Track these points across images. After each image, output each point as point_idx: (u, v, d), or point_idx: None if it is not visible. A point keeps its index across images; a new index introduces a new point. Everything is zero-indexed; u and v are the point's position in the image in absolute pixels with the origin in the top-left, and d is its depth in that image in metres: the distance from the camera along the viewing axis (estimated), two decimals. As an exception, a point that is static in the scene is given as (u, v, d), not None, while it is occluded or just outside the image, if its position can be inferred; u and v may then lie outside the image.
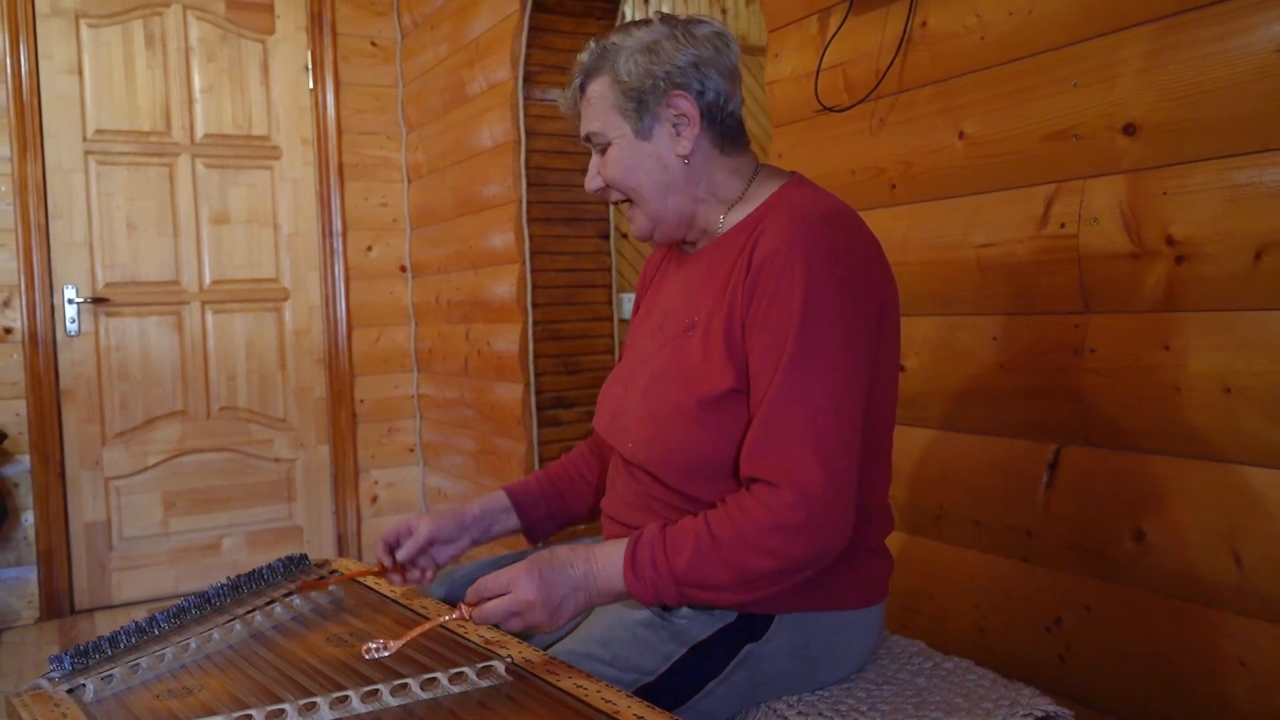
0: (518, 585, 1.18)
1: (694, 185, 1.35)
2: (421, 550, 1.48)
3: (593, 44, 1.37)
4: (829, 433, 1.17)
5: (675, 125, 1.33)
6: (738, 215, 1.35)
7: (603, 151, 1.37)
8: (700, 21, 1.35)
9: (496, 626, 1.23)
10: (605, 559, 1.22)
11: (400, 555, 1.47)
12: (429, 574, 1.49)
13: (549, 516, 1.59)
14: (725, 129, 1.36)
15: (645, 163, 1.34)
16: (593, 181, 1.40)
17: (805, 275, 1.19)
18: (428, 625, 1.23)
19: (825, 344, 1.18)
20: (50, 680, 1.25)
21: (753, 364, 1.23)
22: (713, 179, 1.36)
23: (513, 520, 1.56)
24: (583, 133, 1.39)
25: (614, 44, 1.35)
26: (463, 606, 1.21)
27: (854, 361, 1.20)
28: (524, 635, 1.31)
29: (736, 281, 1.26)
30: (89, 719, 1.10)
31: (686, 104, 1.32)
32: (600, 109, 1.35)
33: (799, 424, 1.17)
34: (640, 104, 1.32)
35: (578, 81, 1.38)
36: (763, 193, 1.35)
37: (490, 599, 1.19)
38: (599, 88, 1.35)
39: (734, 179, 1.37)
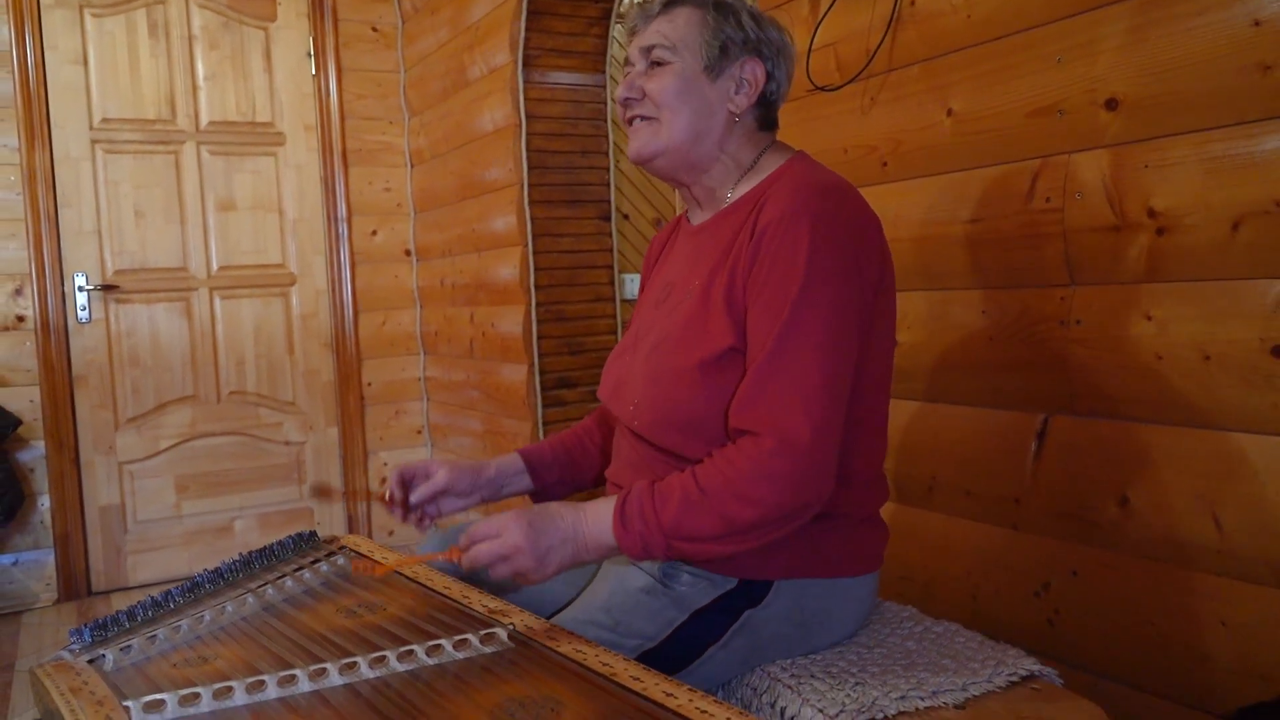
0: (507, 530, 1.22)
1: (723, 144, 1.40)
2: (433, 497, 1.51)
3: None
4: (816, 389, 1.20)
5: (739, 84, 1.38)
6: (745, 186, 1.40)
7: (655, 67, 1.39)
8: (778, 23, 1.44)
9: (487, 581, 1.27)
10: (594, 513, 1.25)
11: (413, 497, 1.50)
12: (427, 522, 1.53)
13: (560, 481, 1.63)
14: (768, 112, 1.43)
15: (697, 98, 1.37)
16: (628, 91, 1.41)
17: (809, 240, 1.23)
18: (419, 559, 1.29)
19: (821, 307, 1.22)
20: (71, 652, 1.30)
21: (750, 323, 1.26)
22: (739, 145, 1.42)
23: (525, 482, 1.60)
24: (646, 43, 1.40)
25: None
26: (454, 549, 1.25)
27: (847, 327, 1.24)
28: (511, 589, 1.36)
29: (740, 245, 1.30)
30: (110, 687, 1.14)
31: (759, 71, 1.38)
32: (683, 28, 1.37)
33: (788, 379, 1.20)
34: (724, 49, 1.37)
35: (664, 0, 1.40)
36: (770, 165, 1.40)
37: (481, 542, 1.23)
38: (689, 14, 1.38)
39: (752, 151, 1.43)
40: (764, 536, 1.22)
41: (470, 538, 1.24)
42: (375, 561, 1.26)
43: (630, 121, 1.42)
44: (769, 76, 1.40)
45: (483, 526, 1.24)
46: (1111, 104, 1.48)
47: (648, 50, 1.39)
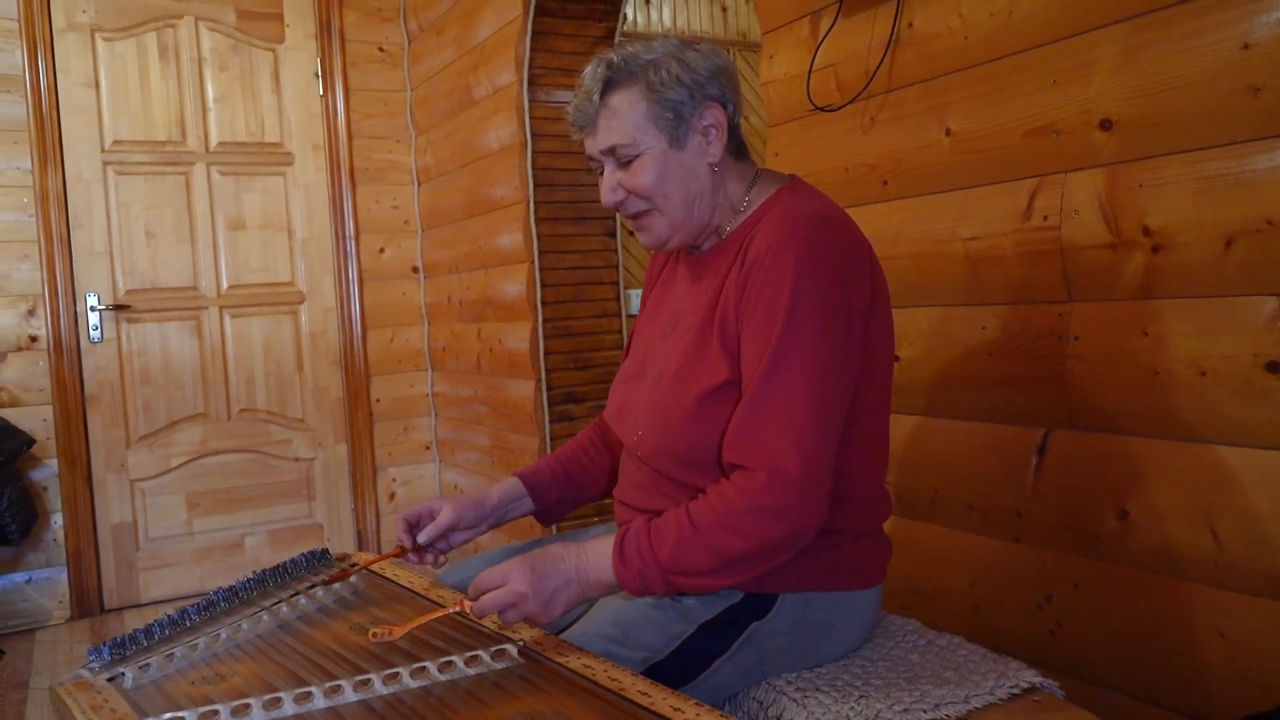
0: (511, 579, 1.25)
1: (716, 193, 1.40)
2: (442, 535, 1.55)
3: (612, 56, 1.36)
4: (805, 421, 1.22)
5: (705, 135, 1.37)
6: (740, 219, 1.41)
7: (626, 163, 1.37)
8: (700, 40, 1.42)
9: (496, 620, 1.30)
10: (595, 553, 1.28)
11: (421, 538, 1.54)
12: (441, 559, 1.57)
13: (561, 500, 1.65)
14: (737, 137, 1.42)
15: (678, 172, 1.36)
16: (614, 194, 1.39)
17: (794, 272, 1.25)
18: (430, 616, 1.31)
19: (807, 337, 1.24)
20: (91, 670, 1.32)
21: (742, 356, 1.29)
22: (728, 185, 1.42)
23: (528, 505, 1.63)
24: (602, 146, 1.38)
25: (634, 54, 1.36)
26: (464, 600, 1.29)
27: (836, 355, 1.26)
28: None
29: (731, 279, 1.33)
30: (130, 704, 1.17)
31: (719, 114, 1.36)
32: (629, 119, 1.35)
33: (777, 412, 1.23)
34: (677, 114, 1.34)
35: (597, 94, 1.36)
36: (760, 196, 1.41)
37: (487, 592, 1.26)
38: (628, 99, 1.35)
39: (741, 184, 1.42)
40: (756, 568, 1.25)
41: (477, 588, 1.27)
42: (392, 627, 1.30)
43: (631, 216, 1.42)
44: (725, 109, 1.37)
45: (487, 576, 1.27)
46: (1106, 124, 1.51)
47: (610, 150, 1.37)
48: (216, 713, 1.09)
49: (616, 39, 3.38)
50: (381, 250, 4.23)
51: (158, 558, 3.86)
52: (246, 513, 4.01)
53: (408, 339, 4.29)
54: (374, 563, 1.61)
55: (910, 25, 1.85)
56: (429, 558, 1.56)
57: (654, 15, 4.45)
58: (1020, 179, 1.66)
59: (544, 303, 3.32)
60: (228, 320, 3.98)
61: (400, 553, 1.57)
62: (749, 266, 1.30)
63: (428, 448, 4.33)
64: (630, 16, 4.31)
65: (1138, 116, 1.47)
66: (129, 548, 3.80)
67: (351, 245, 4.15)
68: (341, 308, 4.16)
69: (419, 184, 4.27)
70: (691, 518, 1.24)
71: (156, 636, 1.40)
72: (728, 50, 3.96)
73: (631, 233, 4.06)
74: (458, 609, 1.30)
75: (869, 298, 1.32)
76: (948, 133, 1.79)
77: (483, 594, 1.26)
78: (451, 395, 4.12)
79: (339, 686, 1.14)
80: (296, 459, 4.11)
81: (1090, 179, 1.54)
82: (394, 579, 1.59)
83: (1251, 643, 1.37)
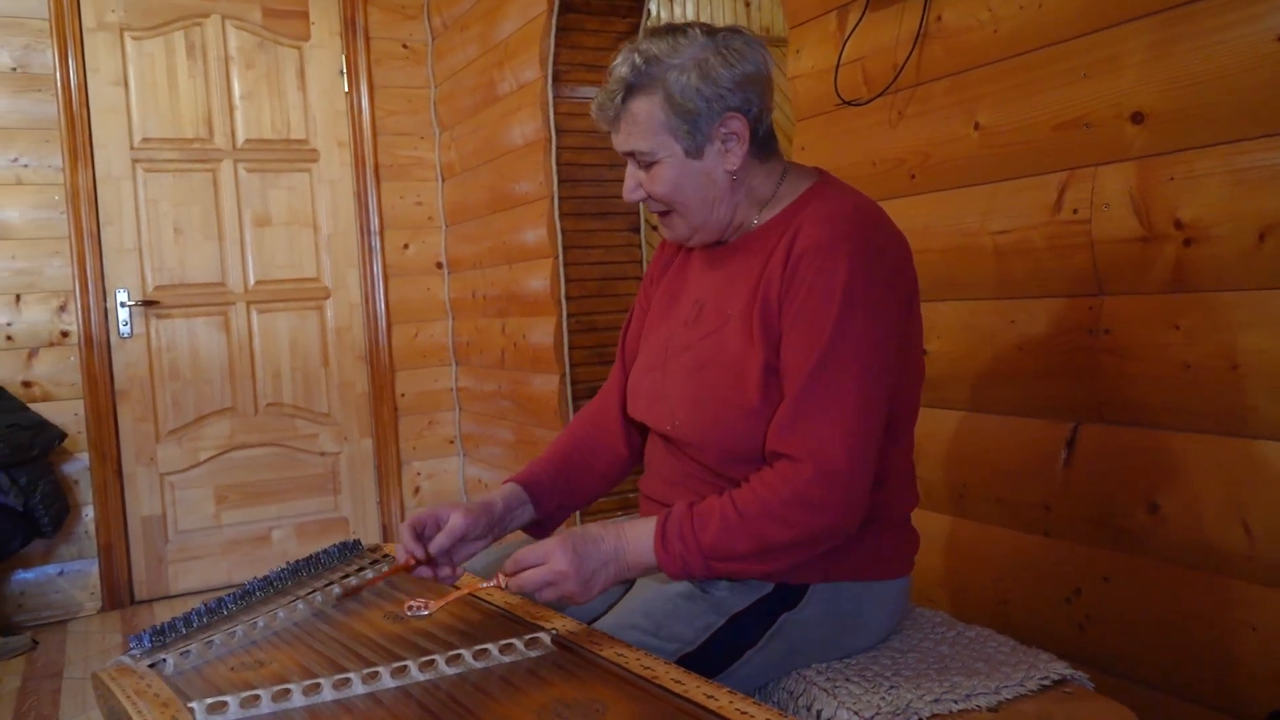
0: (552, 556, 1.25)
1: (736, 194, 1.40)
2: (455, 543, 1.43)
3: (635, 57, 1.34)
4: (854, 417, 1.23)
5: (725, 143, 1.35)
6: (771, 212, 1.41)
7: (646, 167, 1.38)
8: (737, 32, 1.36)
9: (531, 597, 1.31)
10: (635, 535, 1.29)
11: (433, 548, 1.40)
12: (451, 572, 1.43)
13: (560, 507, 1.58)
14: (764, 138, 1.39)
15: (694, 180, 1.37)
16: (634, 193, 1.41)
17: (847, 269, 1.25)
18: (465, 590, 1.32)
19: (859, 335, 1.25)
20: (132, 657, 1.35)
21: (788, 351, 1.29)
22: (751, 184, 1.41)
23: (529, 513, 1.54)
24: (624, 148, 1.39)
25: (657, 58, 1.33)
26: (500, 575, 1.29)
27: (883, 353, 1.27)
28: (559, 608, 1.38)
29: (773, 273, 1.33)
30: (173, 689, 1.19)
31: (739, 124, 1.34)
32: (648, 127, 1.34)
33: (827, 406, 1.24)
34: (694, 126, 1.33)
35: (619, 96, 1.35)
36: (794, 191, 1.41)
37: (527, 569, 1.26)
38: (646, 105, 1.34)
39: (768, 181, 1.42)
40: (796, 557, 1.26)
41: (516, 563, 1.27)
42: (428, 600, 1.30)
43: (655, 213, 1.45)
44: (748, 117, 1.35)
45: (528, 552, 1.27)
46: (1138, 117, 1.51)
47: (630, 153, 1.38)
48: (258, 697, 1.11)
49: (640, 36, 3.38)
50: (406, 246, 4.25)
51: (186, 550, 3.90)
52: (273, 506, 4.05)
53: (432, 334, 4.32)
54: (379, 580, 1.49)
55: (939, 19, 1.85)
56: (444, 571, 1.42)
57: (677, 11, 4.46)
58: (1050, 172, 1.66)
59: (568, 298, 3.34)
60: (254, 316, 4.02)
61: (411, 565, 1.41)
62: (795, 261, 1.30)
63: (452, 442, 4.35)
64: (654, 12, 4.32)
65: (1170, 109, 1.46)
66: (158, 540, 3.85)
67: (376, 241, 4.18)
68: (366, 303, 4.19)
69: (443, 180, 4.29)
70: (736, 505, 1.25)
71: (195, 625, 1.43)
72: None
73: (655, 228, 4.06)
74: (494, 583, 1.30)
75: (909, 289, 1.34)
76: (976, 126, 1.79)
77: (522, 570, 1.26)
78: (475, 390, 4.14)
79: (377, 673, 1.16)
80: (322, 453, 4.15)
81: (1121, 172, 1.54)
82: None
83: (1284, 636, 1.37)
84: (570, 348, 3.35)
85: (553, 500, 1.57)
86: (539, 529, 1.58)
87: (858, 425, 1.23)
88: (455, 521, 1.41)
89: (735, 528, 1.24)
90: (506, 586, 1.28)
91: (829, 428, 1.23)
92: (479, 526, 1.44)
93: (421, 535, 1.42)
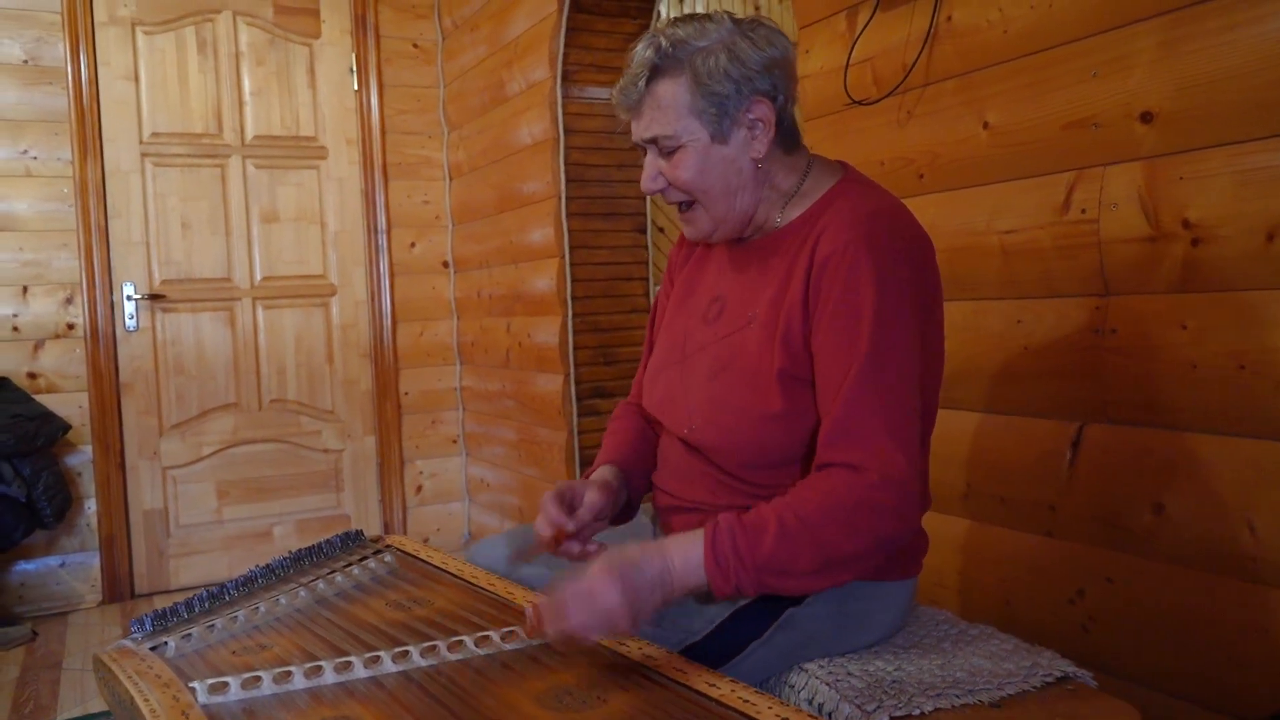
0: (601, 594, 1.11)
1: (760, 186, 1.37)
2: (591, 521, 1.39)
3: (661, 39, 1.31)
4: (902, 422, 1.21)
5: (751, 129, 1.33)
6: (795, 210, 1.39)
7: (668, 154, 1.34)
8: (761, 23, 1.34)
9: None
10: (681, 555, 1.18)
11: (577, 523, 1.37)
12: (594, 546, 1.37)
13: (640, 492, 1.55)
14: (789, 129, 1.37)
15: (719, 166, 1.33)
16: (654, 182, 1.37)
17: (876, 273, 1.23)
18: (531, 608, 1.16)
19: (897, 338, 1.23)
20: (134, 640, 1.35)
21: (823, 358, 1.26)
22: (775, 177, 1.38)
23: (623, 497, 1.49)
24: (644, 135, 1.34)
25: (684, 40, 1.30)
26: (530, 612, 1.14)
27: (918, 354, 1.26)
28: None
29: (797, 279, 1.31)
30: (174, 670, 1.20)
31: (766, 109, 1.31)
32: (673, 111, 1.31)
33: (877, 413, 1.21)
34: (721, 109, 1.30)
35: (643, 80, 1.31)
36: (819, 188, 1.39)
37: (570, 610, 1.12)
38: (673, 89, 1.30)
39: (793, 175, 1.39)
40: (854, 570, 1.21)
41: (559, 614, 1.12)
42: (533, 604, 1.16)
43: (676, 206, 1.41)
44: (775, 104, 1.32)
45: (572, 590, 1.12)
46: (1147, 117, 1.51)
47: (652, 140, 1.34)
48: (259, 679, 1.11)
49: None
50: (412, 245, 4.26)
51: (187, 545, 3.90)
52: (275, 502, 4.05)
53: (437, 333, 4.32)
54: (536, 552, 1.41)
55: (949, 19, 1.85)
56: (592, 547, 1.35)
57: (687, 10, 4.46)
58: (1058, 172, 1.66)
59: (574, 297, 3.34)
60: (260, 311, 4.02)
61: (560, 539, 1.34)
62: (820, 264, 1.28)
63: (455, 441, 4.35)
64: (664, 14, 4.32)
65: (1179, 109, 1.46)
66: (160, 534, 3.85)
67: (383, 239, 4.19)
68: (372, 301, 4.20)
69: (450, 179, 4.30)
70: (797, 513, 1.18)
71: (197, 609, 1.43)
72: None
73: (661, 229, 4.08)
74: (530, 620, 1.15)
75: (935, 291, 1.33)
76: (985, 126, 1.79)
77: (567, 607, 1.12)
78: (479, 389, 4.15)
79: (378, 657, 1.16)
80: (325, 450, 4.15)
81: (1129, 172, 1.54)
82: (427, 559, 1.61)
83: (1288, 637, 1.36)
84: (575, 348, 3.35)
85: (641, 484, 1.53)
86: (623, 515, 1.52)
87: (906, 429, 1.22)
88: (591, 497, 1.40)
89: (797, 537, 1.17)
90: (547, 633, 1.13)
91: (882, 435, 1.20)
92: (609, 506, 1.43)
93: (569, 504, 1.39)
